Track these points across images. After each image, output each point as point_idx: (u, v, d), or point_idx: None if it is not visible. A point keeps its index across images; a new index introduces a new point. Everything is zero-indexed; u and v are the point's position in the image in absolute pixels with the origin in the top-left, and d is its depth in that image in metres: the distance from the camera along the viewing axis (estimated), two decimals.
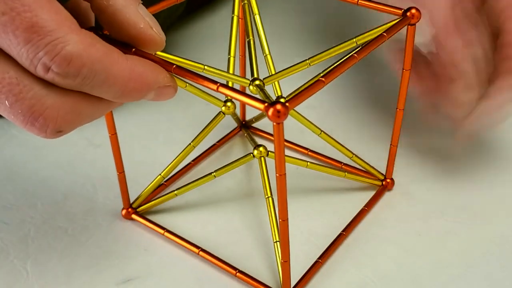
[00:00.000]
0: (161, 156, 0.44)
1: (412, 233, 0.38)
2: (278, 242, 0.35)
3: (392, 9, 0.34)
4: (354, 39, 0.34)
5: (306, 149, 0.45)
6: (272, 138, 0.45)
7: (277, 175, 0.29)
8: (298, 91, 0.28)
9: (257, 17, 0.37)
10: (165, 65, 0.29)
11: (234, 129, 0.47)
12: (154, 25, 0.29)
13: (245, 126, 0.47)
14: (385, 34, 0.32)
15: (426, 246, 0.37)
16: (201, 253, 0.36)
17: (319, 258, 0.36)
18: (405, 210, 0.40)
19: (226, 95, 0.28)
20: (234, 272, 0.35)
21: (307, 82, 0.29)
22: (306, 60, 0.34)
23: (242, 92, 0.27)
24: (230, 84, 0.34)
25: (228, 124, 0.46)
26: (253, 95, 0.29)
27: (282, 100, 0.27)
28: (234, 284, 0.35)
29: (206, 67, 0.33)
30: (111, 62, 0.26)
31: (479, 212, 0.39)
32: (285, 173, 0.29)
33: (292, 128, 0.46)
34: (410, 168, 0.43)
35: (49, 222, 0.39)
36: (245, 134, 0.46)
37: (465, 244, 0.37)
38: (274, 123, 0.26)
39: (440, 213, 0.39)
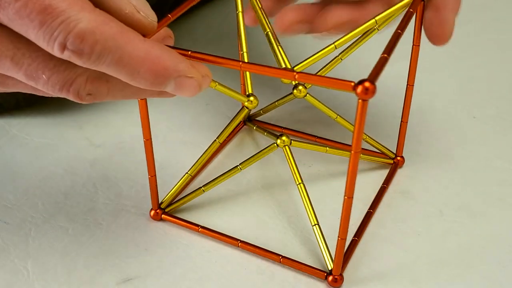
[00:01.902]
0: (160, 156, 0.44)
1: (412, 233, 0.38)
2: (317, 225, 0.36)
3: None
4: (374, 19, 0.35)
5: (314, 136, 0.45)
6: (278, 129, 0.46)
7: (352, 152, 0.30)
8: (373, 70, 0.29)
9: (263, 11, 0.38)
10: (180, 52, 0.30)
11: (238, 125, 0.47)
12: (142, 7, 0.29)
13: (248, 120, 0.47)
14: (411, 10, 0.34)
15: (426, 245, 0.37)
16: (241, 244, 0.37)
17: (355, 236, 0.37)
18: (404, 210, 0.40)
19: (307, 82, 0.29)
20: (278, 258, 0.36)
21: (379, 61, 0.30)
22: (332, 44, 0.35)
23: (328, 78, 0.29)
24: None
25: (223, 121, 0.46)
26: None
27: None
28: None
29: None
30: (126, 41, 0.27)
31: (478, 211, 0.39)
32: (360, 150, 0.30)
33: (289, 120, 0.46)
34: (409, 169, 0.43)
35: (50, 222, 0.39)
36: (255, 128, 0.46)
37: (464, 243, 0.37)
38: (360, 100, 0.28)
39: (439, 212, 0.39)
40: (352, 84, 0.28)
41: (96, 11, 0.26)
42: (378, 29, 0.35)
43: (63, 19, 0.25)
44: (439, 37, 0.37)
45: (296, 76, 0.29)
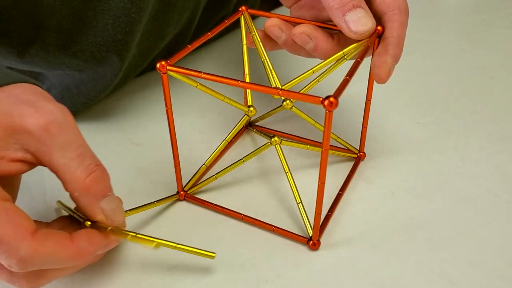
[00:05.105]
0: (184, 152, 0.44)
1: (371, 209, 0.38)
2: (300, 203, 0.35)
3: None
4: (342, 51, 0.34)
5: (298, 137, 0.45)
6: (272, 132, 0.46)
7: (323, 149, 0.29)
8: (337, 89, 0.28)
9: (261, 44, 0.38)
10: (194, 72, 0.29)
11: (241, 129, 0.47)
12: (111, 214, 0.31)
13: (249, 125, 0.47)
14: (369, 44, 0.33)
15: (382, 218, 0.37)
16: (243, 217, 0.36)
17: (329, 211, 0.36)
18: (365, 192, 0.40)
19: (288, 97, 0.29)
20: (271, 228, 0.35)
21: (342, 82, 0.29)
22: (310, 70, 0.35)
23: (302, 94, 0.29)
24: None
25: (232, 126, 0.46)
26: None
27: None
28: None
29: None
30: (59, 251, 0.27)
31: (420, 193, 0.39)
32: (329, 148, 0.29)
33: (280, 125, 0.46)
34: (369, 161, 0.43)
35: None
36: (254, 131, 0.46)
37: (410, 217, 0.37)
38: (327, 111, 0.27)
39: (392, 194, 0.39)
40: (320, 99, 0.27)
41: (35, 236, 0.27)
42: (346, 59, 0.35)
43: (6, 249, 0.26)
44: (378, 77, 0.34)
45: (280, 93, 0.29)
